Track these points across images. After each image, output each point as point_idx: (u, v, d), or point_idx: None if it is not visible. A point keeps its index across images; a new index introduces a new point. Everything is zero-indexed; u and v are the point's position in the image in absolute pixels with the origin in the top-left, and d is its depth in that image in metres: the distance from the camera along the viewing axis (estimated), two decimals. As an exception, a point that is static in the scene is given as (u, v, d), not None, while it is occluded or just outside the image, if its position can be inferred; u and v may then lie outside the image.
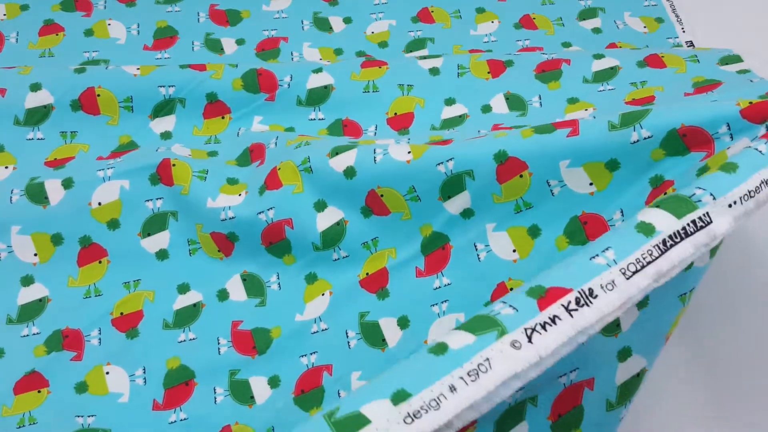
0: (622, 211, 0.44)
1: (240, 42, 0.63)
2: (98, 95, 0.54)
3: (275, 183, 0.49)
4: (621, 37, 0.64)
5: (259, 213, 0.49)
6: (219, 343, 0.48)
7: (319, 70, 0.56)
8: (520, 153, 0.44)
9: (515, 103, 0.53)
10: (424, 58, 0.57)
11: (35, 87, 0.54)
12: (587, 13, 0.66)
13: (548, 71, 0.54)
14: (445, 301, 0.47)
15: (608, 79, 0.53)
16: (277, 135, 0.53)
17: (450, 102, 0.55)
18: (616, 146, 0.43)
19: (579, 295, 0.31)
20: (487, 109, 0.54)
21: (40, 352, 0.47)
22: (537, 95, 0.53)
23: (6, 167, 0.53)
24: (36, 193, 0.50)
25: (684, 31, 0.64)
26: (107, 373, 0.47)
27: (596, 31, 0.64)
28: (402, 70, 0.56)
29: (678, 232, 0.33)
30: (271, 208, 0.49)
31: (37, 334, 0.48)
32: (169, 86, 0.55)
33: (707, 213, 0.34)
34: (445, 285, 0.47)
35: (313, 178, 0.48)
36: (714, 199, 0.35)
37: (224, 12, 0.65)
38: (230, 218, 0.49)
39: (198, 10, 0.65)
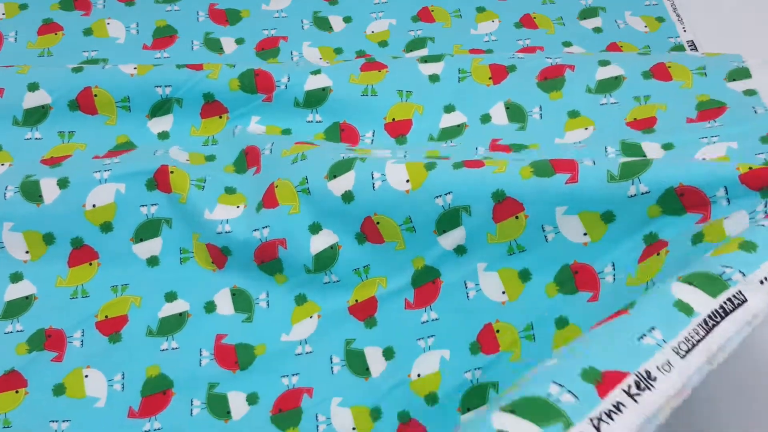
0: (613, 265, 0.45)
1: (239, 41, 0.63)
2: (95, 95, 0.54)
3: (272, 202, 0.49)
4: (622, 37, 0.63)
5: (254, 231, 0.49)
6: (201, 355, 0.47)
7: (317, 72, 0.55)
8: (517, 194, 0.44)
9: (515, 113, 0.54)
10: (426, 61, 0.56)
11: (33, 87, 0.54)
12: (588, 13, 0.65)
13: (551, 78, 0.54)
14: (432, 336, 0.46)
15: (612, 90, 0.53)
16: (273, 140, 0.53)
17: (449, 109, 0.55)
18: (614, 198, 0.43)
19: (638, 378, 0.30)
20: (486, 119, 0.54)
21: (21, 350, 0.47)
22: (538, 105, 0.53)
23: (2, 164, 0.53)
24: (30, 191, 0.50)
25: (685, 31, 0.64)
26: (86, 376, 0.46)
27: (597, 30, 0.64)
28: (401, 75, 0.56)
29: (716, 311, 0.33)
30: (267, 227, 0.49)
31: (21, 331, 0.48)
32: (166, 86, 0.55)
33: (740, 291, 0.33)
34: (433, 320, 0.47)
35: (310, 199, 0.48)
36: (744, 276, 0.34)
37: (224, 11, 0.64)
38: (226, 232, 0.49)
39: (197, 9, 0.64)
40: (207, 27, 0.63)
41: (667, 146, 0.49)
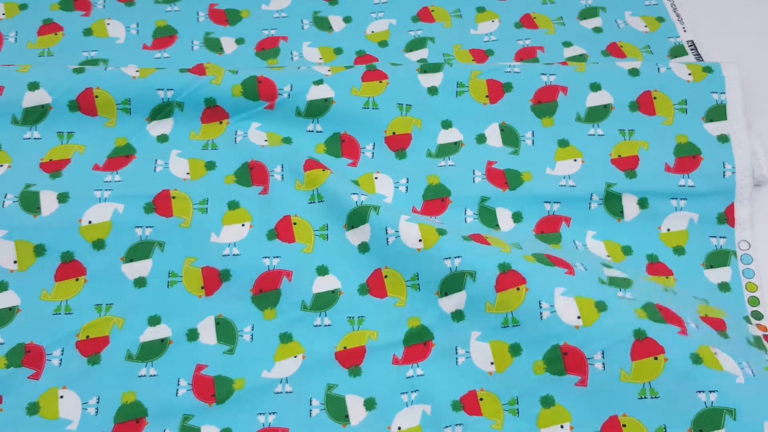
0: (603, 353, 0.45)
1: (239, 41, 0.63)
2: (96, 96, 0.54)
3: (288, 236, 0.51)
4: (622, 37, 0.63)
5: (264, 257, 0.50)
6: (179, 385, 0.47)
7: (319, 82, 0.56)
8: (522, 269, 0.47)
9: (509, 136, 0.56)
10: (425, 71, 0.57)
11: (33, 86, 0.54)
12: (588, 13, 0.65)
13: (544, 103, 0.57)
14: (416, 390, 0.47)
15: (600, 119, 0.56)
16: (281, 162, 0.53)
17: (446, 125, 0.56)
18: (606, 294, 0.47)
19: None
20: (481, 139, 0.56)
21: (0, 363, 0.47)
22: (530, 131, 0.56)
23: (0, 165, 0.53)
24: (29, 202, 0.50)
25: (685, 31, 0.64)
26: (61, 397, 0.46)
27: (597, 30, 0.64)
28: (401, 87, 0.56)
29: None
30: (278, 257, 0.50)
31: (2, 344, 0.47)
32: (168, 89, 0.55)
33: None
34: (419, 375, 0.47)
35: (326, 245, 0.51)
36: None
37: (224, 11, 0.64)
38: (234, 255, 0.50)
39: (197, 9, 0.64)
40: (207, 27, 0.63)
41: (642, 203, 0.54)
